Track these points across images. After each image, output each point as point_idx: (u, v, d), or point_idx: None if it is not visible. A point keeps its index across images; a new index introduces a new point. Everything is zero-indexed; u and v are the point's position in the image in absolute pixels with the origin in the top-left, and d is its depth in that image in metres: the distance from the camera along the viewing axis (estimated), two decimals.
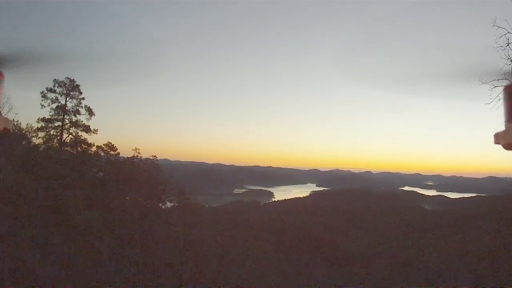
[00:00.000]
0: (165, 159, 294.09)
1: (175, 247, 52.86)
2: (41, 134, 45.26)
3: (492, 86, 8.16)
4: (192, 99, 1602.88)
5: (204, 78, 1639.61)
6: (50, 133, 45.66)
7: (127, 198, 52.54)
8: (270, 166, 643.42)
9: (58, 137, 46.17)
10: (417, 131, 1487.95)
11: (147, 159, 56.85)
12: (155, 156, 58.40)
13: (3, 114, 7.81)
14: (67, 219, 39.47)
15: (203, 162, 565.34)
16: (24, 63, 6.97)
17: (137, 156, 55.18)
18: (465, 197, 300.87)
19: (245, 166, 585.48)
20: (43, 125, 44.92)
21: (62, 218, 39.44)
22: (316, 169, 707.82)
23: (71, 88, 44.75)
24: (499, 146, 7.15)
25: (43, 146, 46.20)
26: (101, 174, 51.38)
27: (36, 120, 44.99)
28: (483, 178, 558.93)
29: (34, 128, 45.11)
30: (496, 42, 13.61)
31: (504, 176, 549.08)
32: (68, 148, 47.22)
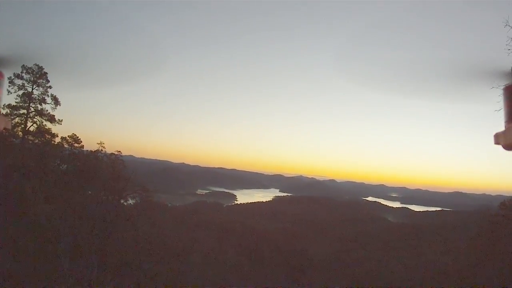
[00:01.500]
0: (130, 155, 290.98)
1: (135, 245, 51.78)
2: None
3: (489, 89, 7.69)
4: (160, 97, 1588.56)
5: (174, 77, 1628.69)
6: (14, 121, 44.00)
7: (89, 192, 51.23)
8: (234, 169, 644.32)
9: (22, 126, 44.55)
10: (383, 142, 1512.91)
11: (111, 154, 55.79)
12: (119, 151, 57.42)
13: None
14: (24, 211, 38.12)
15: (168, 161, 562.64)
16: (24, 63, 6.82)
17: (101, 150, 54.13)
18: (429, 211, 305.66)
19: (209, 167, 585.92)
20: (8, 111, 43.16)
21: (20, 210, 38.06)
22: (280, 175, 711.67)
23: (39, 75, 43.25)
24: (499, 147, 7.20)
25: (6, 133, 44.54)
26: (64, 166, 49.97)
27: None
28: (449, 193, 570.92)
29: None
30: (506, 44, 13.54)
31: (471, 192, 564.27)
32: (31, 138, 45.61)
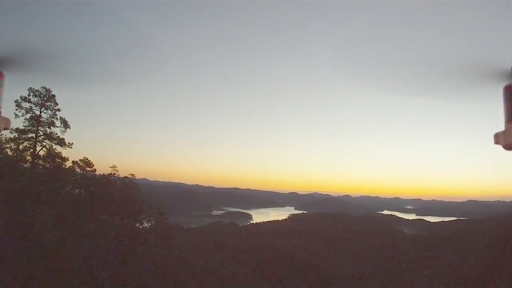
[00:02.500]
0: (143, 178, 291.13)
1: (153, 270, 50.61)
2: (14, 145, 42.46)
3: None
4: (172, 118, 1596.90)
5: (185, 98, 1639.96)
6: (23, 145, 42.97)
7: (103, 216, 50.23)
8: (249, 189, 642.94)
9: (31, 150, 43.49)
10: (396, 154, 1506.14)
11: (125, 177, 55.07)
12: (133, 174, 56.71)
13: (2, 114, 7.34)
14: (36, 237, 36.96)
15: (182, 183, 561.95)
16: (24, 64, 7.18)
17: (114, 174, 53.38)
18: (445, 221, 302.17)
19: (223, 188, 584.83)
20: (16, 135, 42.18)
21: (32, 235, 36.91)
22: (294, 192, 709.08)
23: (47, 98, 42.33)
24: (499, 146, 7.16)
25: (15, 158, 43.54)
26: (76, 191, 49.01)
27: (9, 130, 42.40)
28: (464, 202, 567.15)
29: (8, 138, 42.46)
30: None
31: (485, 200, 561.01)
32: (41, 162, 44.53)
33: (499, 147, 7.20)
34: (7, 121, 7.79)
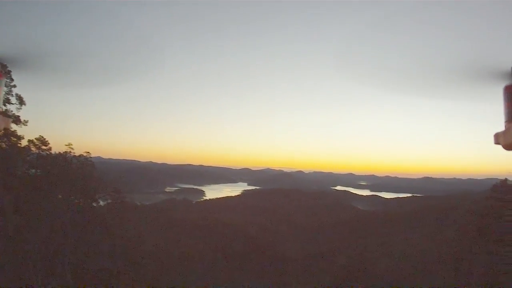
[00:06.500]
0: (98, 156, 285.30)
1: (111, 250, 49.61)
2: None
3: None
4: (125, 95, 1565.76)
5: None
6: None
7: (60, 197, 48.70)
8: (202, 165, 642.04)
9: None
10: (350, 130, 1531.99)
11: (80, 155, 53.43)
12: (88, 152, 55.09)
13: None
14: None
15: (136, 160, 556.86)
16: (24, 64, 7.15)
17: (70, 152, 51.62)
18: (400, 197, 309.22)
19: (176, 164, 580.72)
20: None
21: None
22: (247, 168, 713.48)
23: (2, 74, 40.09)
24: (499, 146, 7.15)
25: None
26: (32, 171, 47.19)
27: None
28: (419, 178, 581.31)
29: None
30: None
31: (440, 177, 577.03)
32: None
33: (499, 146, 7.17)
34: (7, 120, 7.77)
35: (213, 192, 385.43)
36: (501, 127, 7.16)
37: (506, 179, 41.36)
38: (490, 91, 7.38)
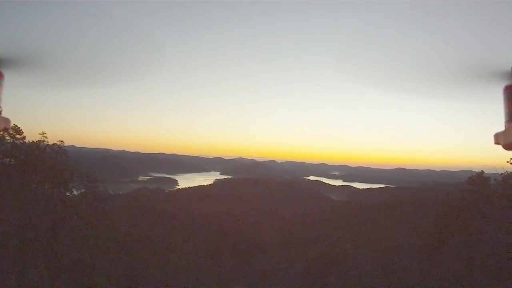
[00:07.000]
0: (71, 145, 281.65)
1: (84, 241, 49.21)
2: None
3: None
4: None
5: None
6: None
7: (34, 186, 48.12)
8: (174, 154, 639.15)
9: None
10: (323, 120, 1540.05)
11: (53, 144, 52.79)
12: (62, 141, 54.44)
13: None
14: None
15: (108, 149, 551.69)
16: (24, 64, 7.12)
17: (43, 141, 50.95)
18: (373, 188, 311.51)
19: (149, 153, 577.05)
20: None
21: None
22: (219, 157, 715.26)
23: None
24: (499, 146, 7.21)
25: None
26: (7, 160, 46.47)
27: None
28: (392, 169, 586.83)
29: None
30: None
31: (413, 168, 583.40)
32: None
33: (499, 146, 7.23)
34: (7, 121, 7.59)
35: (185, 181, 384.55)
36: (501, 127, 7.26)
37: (482, 172, 41.84)
38: (490, 91, 7.50)
